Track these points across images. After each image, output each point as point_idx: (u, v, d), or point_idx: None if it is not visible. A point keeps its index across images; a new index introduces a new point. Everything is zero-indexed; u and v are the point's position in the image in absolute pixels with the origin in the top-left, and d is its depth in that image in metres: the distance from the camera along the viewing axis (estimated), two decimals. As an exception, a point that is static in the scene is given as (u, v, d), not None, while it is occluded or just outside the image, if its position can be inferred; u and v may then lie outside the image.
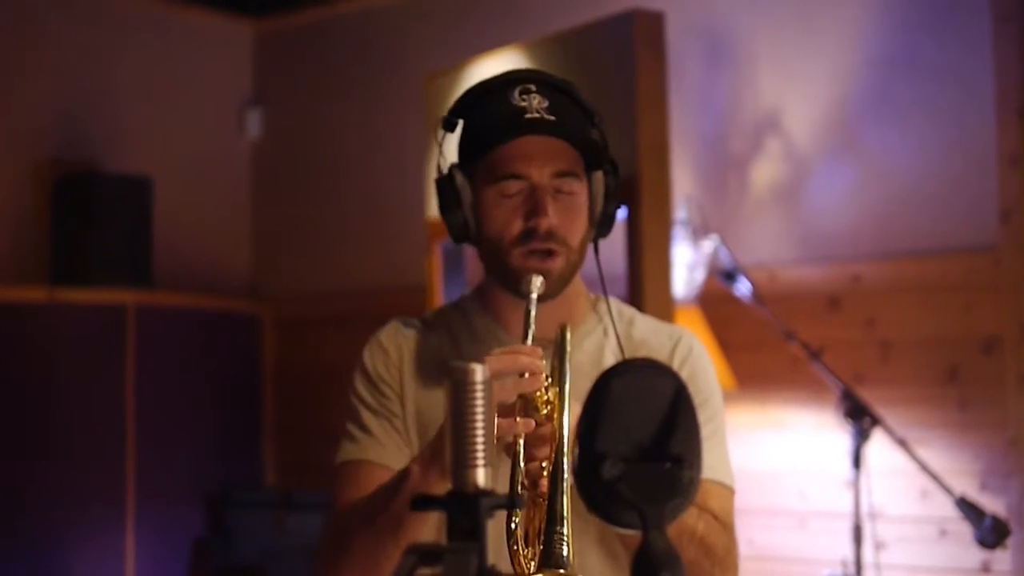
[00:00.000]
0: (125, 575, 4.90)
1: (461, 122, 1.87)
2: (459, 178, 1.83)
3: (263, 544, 4.99)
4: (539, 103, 1.78)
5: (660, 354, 1.89)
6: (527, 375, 1.63)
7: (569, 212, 1.80)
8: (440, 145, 1.85)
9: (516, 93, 1.79)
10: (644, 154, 3.46)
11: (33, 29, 5.16)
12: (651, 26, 3.56)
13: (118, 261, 4.95)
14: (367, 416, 1.89)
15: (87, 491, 4.83)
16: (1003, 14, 3.83)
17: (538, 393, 1.65)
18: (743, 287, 3.88)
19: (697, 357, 1.91)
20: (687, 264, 4.05)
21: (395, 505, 1.68)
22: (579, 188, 1.82)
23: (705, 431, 1.80)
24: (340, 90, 5.60)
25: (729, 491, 1.84)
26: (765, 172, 4.30)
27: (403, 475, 1.69)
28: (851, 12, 4.18)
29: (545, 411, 1.65)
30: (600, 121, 1.87)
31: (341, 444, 1.90)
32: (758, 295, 3.88)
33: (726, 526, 1.78)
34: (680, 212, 4.07)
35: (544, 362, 1.66)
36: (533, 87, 1.79)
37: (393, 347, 1.92)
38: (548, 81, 1.83)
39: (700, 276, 4.08)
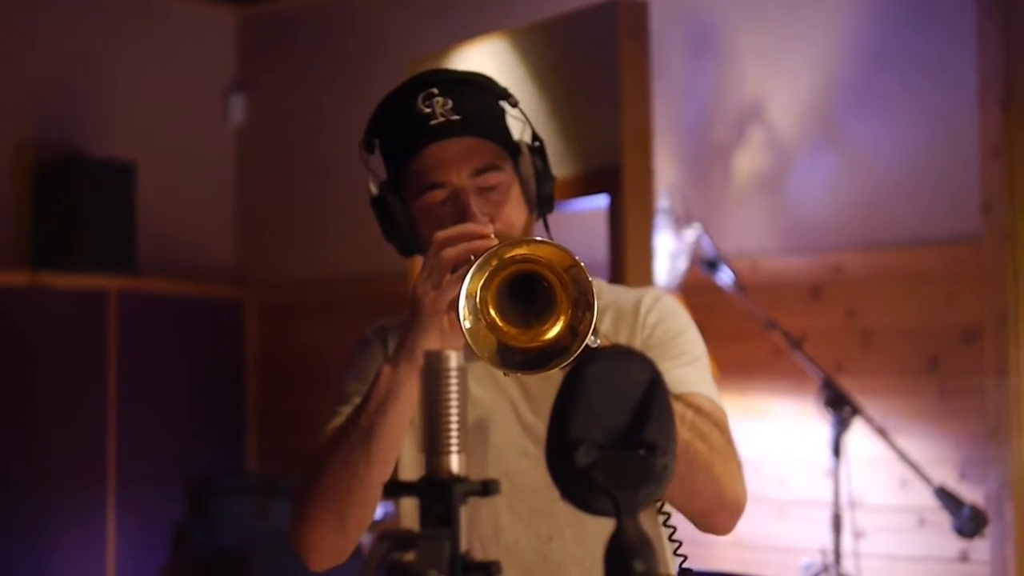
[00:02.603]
0: (106, 561, 4.90)
1: (378, 140, 1.85)
2: (389, 197, 1.83)
3: (245, 530, 4.99)
4: (442, 105, 1.76)
5: (627, 306, 1.88)
6: (476, 241, 1.64)
7: (499, 205, 1.79)
8: (366, 165, 1.84)
9: (419, 100, 1.77)
10: (627, 143, 3.46)
11: (16, 13, 5.14)
12: (635, 15, 3.55)
13: (101, 246, 4.94)
14: (356, 387, 1.87)
15: (68, 477, 4.82)
16: (987, 5, 3.84)
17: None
18: (725, 276, 3.88)
19: (665, 301, 1.91)
20: (669, 253, 4.05)
21: (366, 412, 1.68)
22: (504, 177, 1.80)
23: (684, 359, 1.81)
24: (324, 76, 5.59)
25: (719, 406, 1.80)
26: (748, 162, 4.31)
27: (374, 380, 1.69)
28: (835, 3, 4.18)
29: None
30: (516, 101, 1.85)
31: (328, 422, 1.88)
32: (740, 284, 3.89)
33: (719, 426, 1.73)
34: (663, 201, 4.07)
35: (491, 229, 1.67)
36: (436, 90, 1.77)
37: (379, 340, 1.93)
38: (451, 78, 1.81)
39: (682, 265, 4.08)
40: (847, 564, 3.61)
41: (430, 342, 1.63)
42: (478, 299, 1.56)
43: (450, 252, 1.63)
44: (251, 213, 5.85)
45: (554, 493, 1.80)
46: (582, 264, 1.54)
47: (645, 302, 1.89)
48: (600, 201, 3.52)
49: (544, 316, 1.57)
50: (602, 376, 1.18)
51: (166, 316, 5.25)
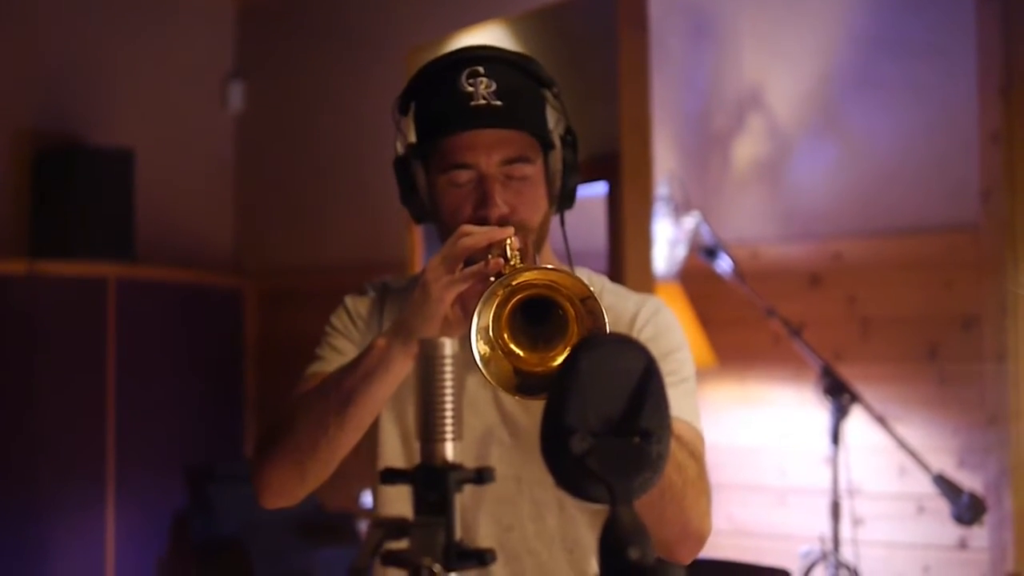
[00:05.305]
0: (105, 548, 4.91)
1: (414, 104, 1.83)
2: (413, 163, 1.81)
3: (245, 518, 4.99)
4: (486, 87, 1.74)
5: (625, 316, 1.87)
6: (496, 233, 1.66)
7: (522, 195, 1.77)
8: (397, 126, 1.82)
9: (463, 77, 1.74)
10: (626, 130, 3.46)
11: (14, 2, 5.13)
12: (634, 2, 3.55)
13: (99, 234, 4.93)
14: (339, 340, 1.91)
15: (67, 465, 4.82)
16: (986, -8, 3.83)
17: (510, 254, 1.65)
18: (724, 264, 3.88)
19: (663, 316, 1.90)
20: (668, 240, 4.05)
21: (351, 378, 1.69)
22: (532, 171, 1.79)
23: (671, 379, 1.80)
24: (322, 63, 5.58)
25: (697, 433, 1.80)
26: (747, 149, 4.30)
27: (366, 350, 1.70)
28: (835, -11, 4.18)
29: (513, 261, 1.64)
30: (559, 93, 1.83)
31: (308, 365, 1.90)
32: (739, 272, 3.89)
33: (695, 456, 1.73)
34: (662, 188, 4.07)
35: (512, 231, 1.68)
36: (481, 69, 1.75)
37: (376, 295, 1.95)
38: (499, 58, 1.79)
39: (681, 252, 4.08)
40: (846, 551, 3.61)
41: (430, 328, 1.62)
42: (491, 329, 1.55)
43: (468, 241, 1.63)
44: (250, 201, 5.84)
45: (520, 485, 1.81)
46: (596, 296, 1.54)
47: (643, 314, 1.88)
48: (599, 188, 3.51)
49: (554, 341, 1.57)
50: (597, 364, 1.18)
51: (165, 304, 5.24)
